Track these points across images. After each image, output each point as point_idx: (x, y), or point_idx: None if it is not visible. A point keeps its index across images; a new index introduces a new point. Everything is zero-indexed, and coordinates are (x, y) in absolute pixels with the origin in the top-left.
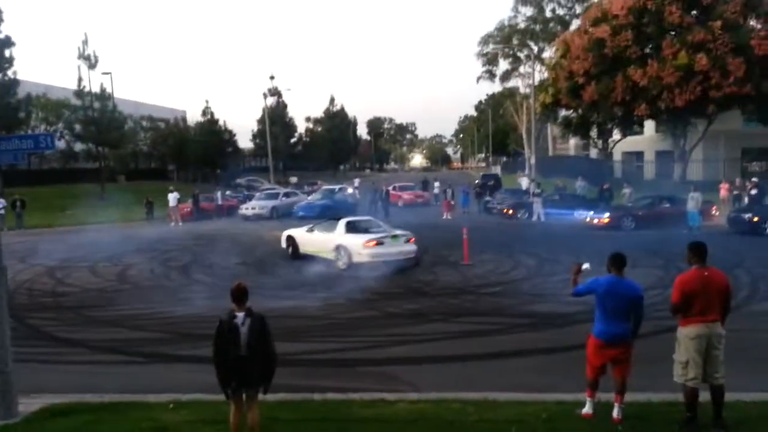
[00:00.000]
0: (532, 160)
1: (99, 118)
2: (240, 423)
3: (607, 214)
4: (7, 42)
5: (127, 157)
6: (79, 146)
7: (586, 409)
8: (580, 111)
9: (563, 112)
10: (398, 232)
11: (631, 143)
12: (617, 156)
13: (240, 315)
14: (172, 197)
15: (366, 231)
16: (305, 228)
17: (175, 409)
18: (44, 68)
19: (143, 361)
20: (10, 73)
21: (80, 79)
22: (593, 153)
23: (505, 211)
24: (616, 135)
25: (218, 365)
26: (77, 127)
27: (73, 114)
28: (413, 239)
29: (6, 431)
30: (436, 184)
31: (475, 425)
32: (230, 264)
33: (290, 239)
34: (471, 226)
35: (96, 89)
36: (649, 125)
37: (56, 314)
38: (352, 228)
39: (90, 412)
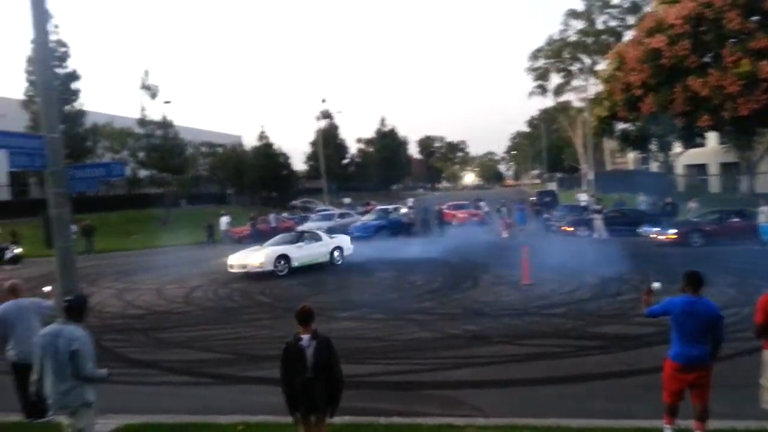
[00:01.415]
0: (590, 176)
1: (161, 145)
2: None
3: (674, 230)
4: (74, 76)
5: (188, 182)
6: (143, 173)
7: None
8: (638, 124)
9: (620, 125)
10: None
11: (694, 156)
12: (679, 169)
13: (305, 338)
14: (224, 221)
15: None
16: (289, 245)
17: (244, 431)
18: (107, 98)
19: (211, 382)
20: (76, 104)
21: (143, 108)
22: (653, 166)
23: (564, 228)
24: (678, 148)
25: (285, 388)
26: (141, 154)
27: (137, 142)
28: None
29: None
30: (482, 203)
31: None
32: (291, 284)
33: (285, 258)
34: (530, 244)
35: (157, 117)
36: (712, 136)
37: (127, 336)
38: (331, 234)
39: None
